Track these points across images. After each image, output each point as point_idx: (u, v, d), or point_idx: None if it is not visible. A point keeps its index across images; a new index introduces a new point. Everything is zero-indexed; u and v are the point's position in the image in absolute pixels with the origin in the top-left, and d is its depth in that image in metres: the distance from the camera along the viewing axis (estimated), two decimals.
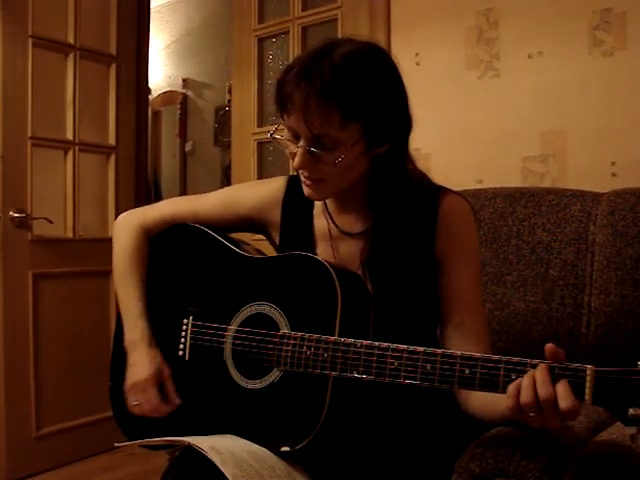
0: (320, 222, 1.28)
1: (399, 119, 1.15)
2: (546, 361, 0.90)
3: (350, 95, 1.06)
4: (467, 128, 2.22)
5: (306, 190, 1.18)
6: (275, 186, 1.34)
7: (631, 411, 0.84)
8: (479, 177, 2.14)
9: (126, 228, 1.38)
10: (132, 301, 1.32)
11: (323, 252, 1.25)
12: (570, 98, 2.00)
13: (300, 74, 1.08)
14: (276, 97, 1.13)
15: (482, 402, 1.08)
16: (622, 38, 1.91)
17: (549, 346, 0.90)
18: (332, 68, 1.06)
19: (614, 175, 1.91)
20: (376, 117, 1.10)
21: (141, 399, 1.24)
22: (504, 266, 1.65)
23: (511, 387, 0.91)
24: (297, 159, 1.12)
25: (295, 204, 1.30)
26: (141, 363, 1.26)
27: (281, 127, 1.18)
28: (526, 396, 0.88)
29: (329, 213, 1.27)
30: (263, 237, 1.39)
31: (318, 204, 1.29)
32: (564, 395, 0.86)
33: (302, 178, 1.17)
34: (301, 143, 1.11)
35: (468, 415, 1.14)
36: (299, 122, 1.09)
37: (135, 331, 1.29)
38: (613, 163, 1.91)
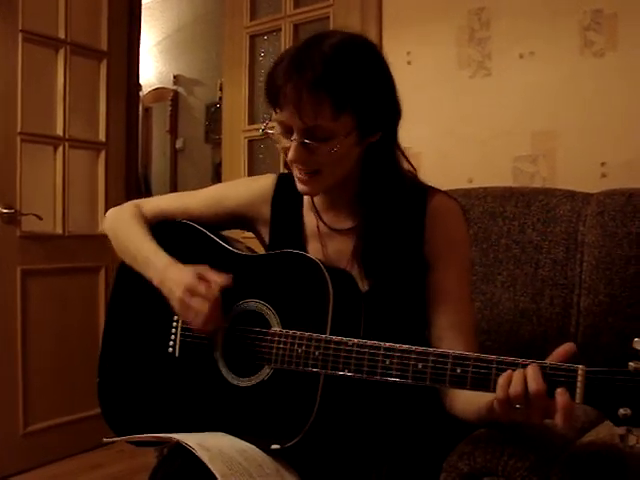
0: (310, 219, 1.28)
1: (389, 108, 1.16)
2: (538, 361, 0.91)
3: (341, 86, 1.06)
4: (458, 127, 2.22)
5: (300, 185, 1.17)
6: (265, 183, 1.33)
7: (621, 411, 0.85)
8: (470, 176, 2.15)
9: (120, 212, 1.37)
10: (143, 243, 1.28)
11: (313, 249, 1.25)
12: (561, 98, 2.01)
13: (291, 67, 1.07)
14: (267, 91, 1.13)
15: (464, 402, 1.08)
16: (613, 39, 1.92)
17: (569, 346, 0.91)
18: (323, 59, 1.06)
19: (604, 176, 1.92)
20: (367, 107, 1.10)
21: (197, 301, 1.14)
22: (494, 265, 1.65)
23: (501, 379, 0.91)
24: (291, 152, 1.11)
25: (285, 201, 1.30)
26: (179, 274, 1.17)
27: (272, 123, 1.18)
28: (515, 387, 0.89)
29: (317, 210, 1.27)
30: (253, 235, 1.38)
31: (307, 201, 1.29)
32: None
33: (296, 172, 1.16)
34: (294, 136, 1.10)
35: (452, 416, 1.14)
36: (292, 115, 1.08)
37: (159, 263, 1.22)
38: (603, 164, 1.92)
